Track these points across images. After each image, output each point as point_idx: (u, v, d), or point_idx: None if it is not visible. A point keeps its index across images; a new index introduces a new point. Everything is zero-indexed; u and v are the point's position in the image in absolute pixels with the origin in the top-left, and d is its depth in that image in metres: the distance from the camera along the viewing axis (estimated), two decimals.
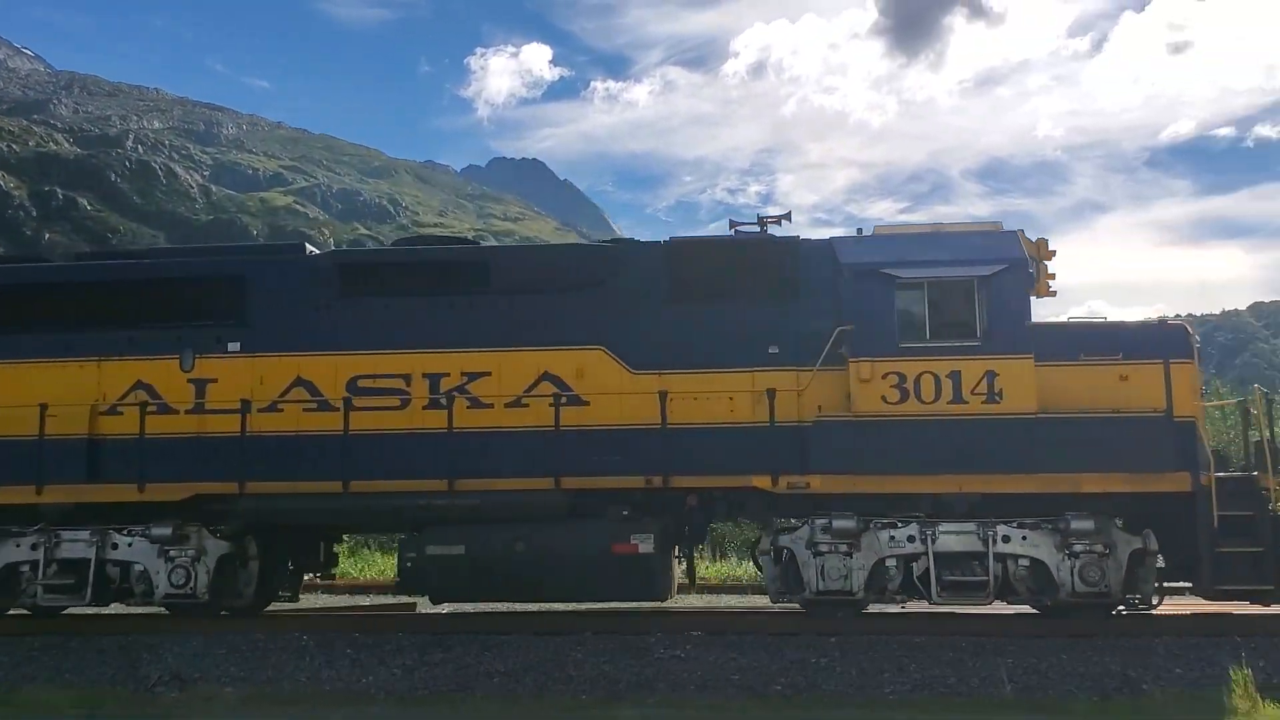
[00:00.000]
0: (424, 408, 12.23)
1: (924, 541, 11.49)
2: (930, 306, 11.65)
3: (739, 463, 11.69)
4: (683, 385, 11.92)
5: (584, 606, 12.90)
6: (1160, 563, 11.55)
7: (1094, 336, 11.94)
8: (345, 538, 18.34)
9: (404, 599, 14.75)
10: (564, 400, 11.97)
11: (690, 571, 13.31)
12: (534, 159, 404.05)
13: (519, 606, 13.42)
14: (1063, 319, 12.79)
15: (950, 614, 12.04)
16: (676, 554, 12.87)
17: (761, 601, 15.44)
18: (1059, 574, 11.29)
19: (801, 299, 12.08)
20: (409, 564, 11.97)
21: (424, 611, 13.82)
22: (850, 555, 11.54)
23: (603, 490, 11.87)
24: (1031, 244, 12.15)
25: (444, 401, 12.05)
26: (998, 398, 11.39)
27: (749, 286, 12.18)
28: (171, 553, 12.15)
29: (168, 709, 10.01)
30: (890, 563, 11.60)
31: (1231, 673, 9.41)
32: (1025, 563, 11.46)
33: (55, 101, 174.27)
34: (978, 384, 11.42)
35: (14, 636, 11.84)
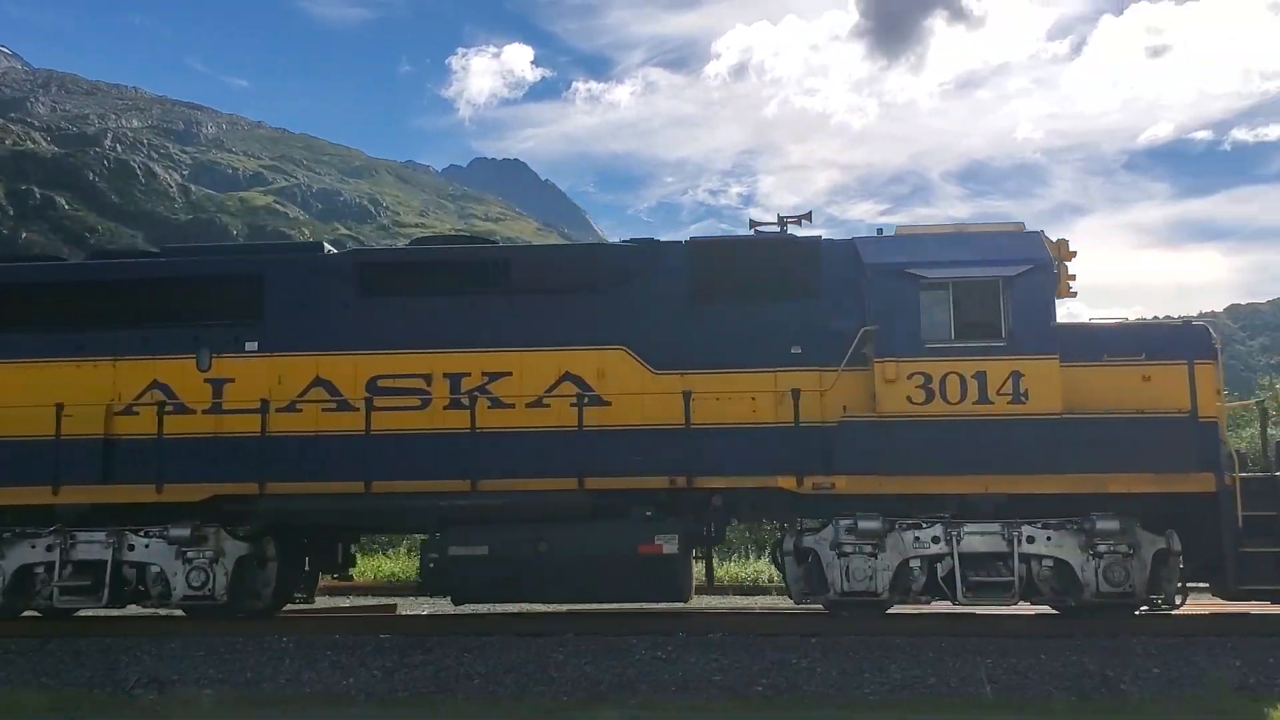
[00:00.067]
0: (444, 408, 12.16)
1: (949, 542, 11.48)
2: (955, 307, 11.66)
3: (763, 463, 11.66)
4: (705, 385, 11.89)
5: (564, 608, 12.94)
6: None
7: (1117, 337, 11.98)
8: None
9: (384, 600, 14.78)
10: (585, 400, 11.92)
11: (709, 572, 13.27)
12: (515, 159, 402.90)
13: (498, 607, 13.40)
14: (1084, 319, 12.80)
15: (931, 614, 12.13)
16: (695, 554, 12.86)
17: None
18: (1083, 574, 11.31)
19: (824, 299, 12.08)
20: (431, 564, 11.90)
21: (404, 613, 13.80)
22: (875, 556, 11.53)
23: (626, 491, 11.83)
24: (1052, 244, 12.17)
25: (465, 401, 11.99)
26: (1023, 398, 11.40)
27: (771, 286, 12.17)
28: (189, 554, 12.03)
29: (146, 712, 9.93)
30: (914, 563, 11.60)
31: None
32: (1049, 563, 11.49)
33: (32, 100, 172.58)
34: (1003, 384, 11.43)
35: None
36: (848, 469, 11.47)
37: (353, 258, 13.20)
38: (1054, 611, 12.09)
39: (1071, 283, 12.37)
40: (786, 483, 11.57)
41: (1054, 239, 12.30)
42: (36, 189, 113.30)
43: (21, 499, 12.13)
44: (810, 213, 12.89)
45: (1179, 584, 11.56)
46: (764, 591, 16.92)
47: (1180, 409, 11.35)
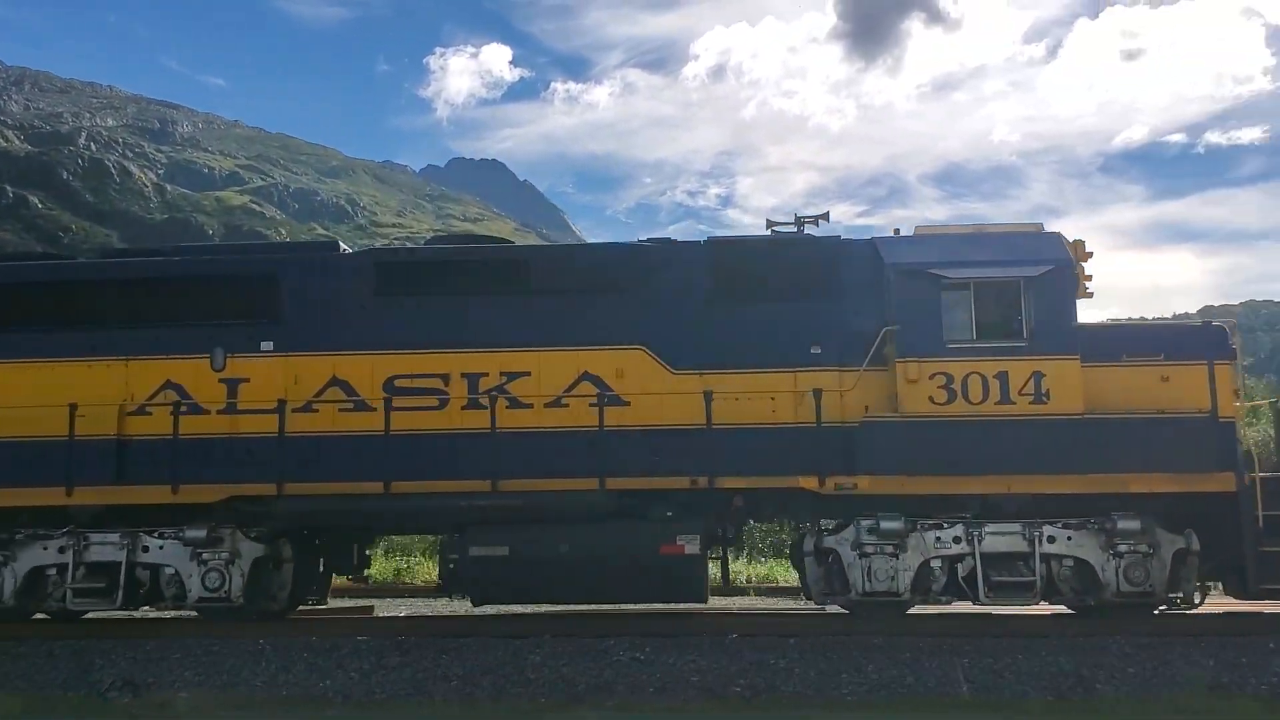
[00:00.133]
0: (463, 408, 12.08)
1: (970, 542, 11.50)
2: (977, 307, 11.67)
3: (784, 463, 11.63)
4: (724, 385, 11.86)
5: (543, 609, 12.87)
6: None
7: (1136, 337, 12.06)
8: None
9: (362, 603, 14.73)
10: (605, 400, 11.87)
11: (725, 573, 13.24)
12: (493, 160, 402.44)
13: (476, 610, 13.31)
14: (1103, 320, 12.85)
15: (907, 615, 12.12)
16: (712, 554, 12.83)
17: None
18: (1104, 574, 11.36)
19: (844, 299, 12.08)
20: (451, 566, 11.85)
21: (381, 615, 13.75)
22: (896, 556, 11.53)
23: (647, 491, 11.79)
24: (1069, 245, 12.21)
25: (484, 401, 11.92)
26: (1045, 398, 11.42)
27: (790, 286, 12.15)
28: (205, 555, 11.91)
29: (120, 714, 9.85)
30: (935, 564, 11.61)
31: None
32: (1069, 563, 11.53)
33: (5, 98, 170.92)
34: (1025, 384, 11.45)
35: None
36: (870, 469, 11.46)
37: (370, 257, 13.09)
38: (1069, 611, 12.11)
39: (1088, 283, 12.42)
40: (808, 483, 11.55)
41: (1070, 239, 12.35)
42: (9, 188, 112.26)
43: (34, 500, 11.98)
44: (828, 212, 12.91)
45: (1196, 583, 11.61)
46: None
47: (1200, 409, 11.40)
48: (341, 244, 13.51)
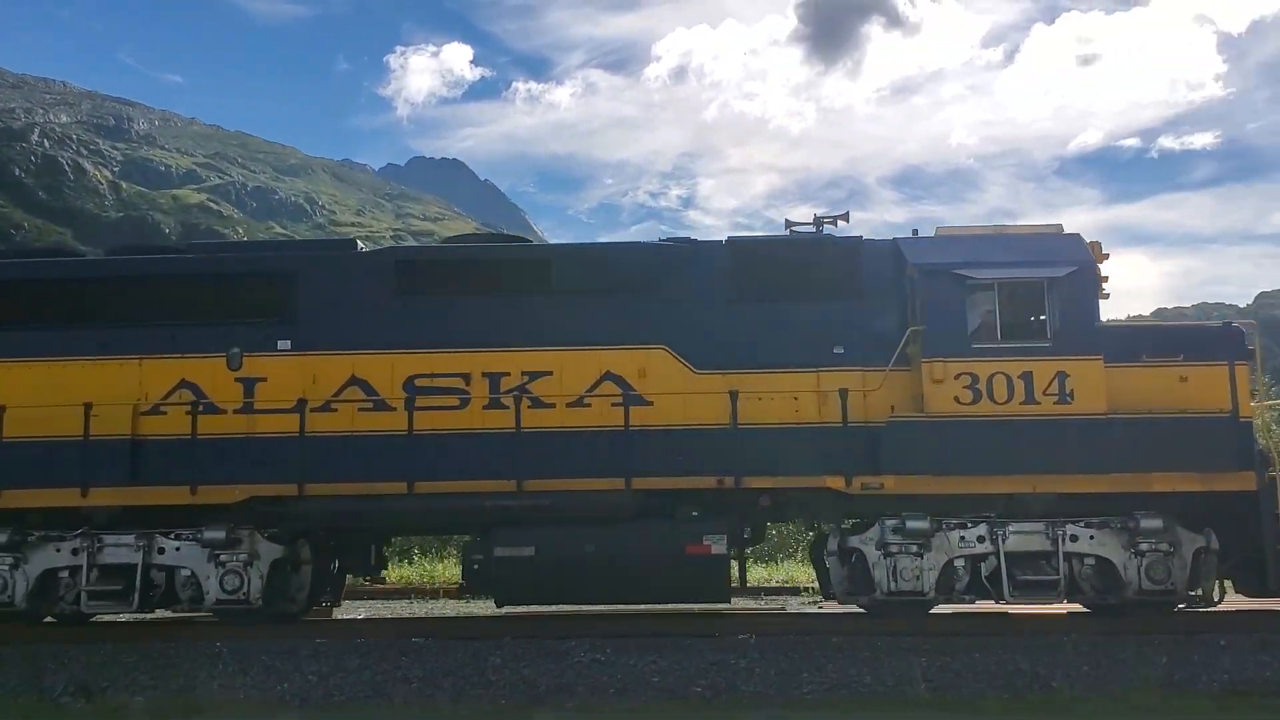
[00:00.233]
0: (484, 407, 11.99)
1: (994, 541, 11.56)
2: (1002, 307, 11.75)
3: (809, 463, 11.64)
4: (746, 385, 11.85)
5: (504, 611, 12.84)
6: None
7: (1155, 337, 12.17)
8: None
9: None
10: (629, 400, 11.84)
11: (742, 573, 13.24)
12: (454, 159, 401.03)
13: (437, 610, 13.29)
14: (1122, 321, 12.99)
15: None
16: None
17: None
18: (1126, 572, 11.45)
19: (866, 299, 12.12)
20: (476, 566, 11.75)
21: (340, 617, 13.66)
22: (921, 556, 11.57)
23: (673, 491, 11.77)
24: (1087, 246, 12.32)
25: (505, 401, 11.86)
26: (1069, 398, 11.51)
27: (813, 286, 12.18)
28: (222, 557, 11.72)
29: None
30: (959, 563, 11.67)
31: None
32: (1091, 561, 11.62)
33: None
34: (1049, 384, 11.53)
35: None
36: (896, 469, 11.49)
37: (390, 255, 12.97)
38: (1086, 610, 12.22)
39: (1104, 284, 12.53)
40: (835, 483, 11.56)
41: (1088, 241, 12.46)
42: None
43: (48, 501, 11.75)
44: (847, 213, 12.92)
45: (1215, 581, 11.75)
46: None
47: (1220, 409, 11.54)
48: (358, 242, 13.31)
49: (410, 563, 20.55)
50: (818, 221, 12.96)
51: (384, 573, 14.12)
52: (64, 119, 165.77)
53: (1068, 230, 12.45)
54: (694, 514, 11.85)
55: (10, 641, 11.12)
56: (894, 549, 11.57)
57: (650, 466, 11.69)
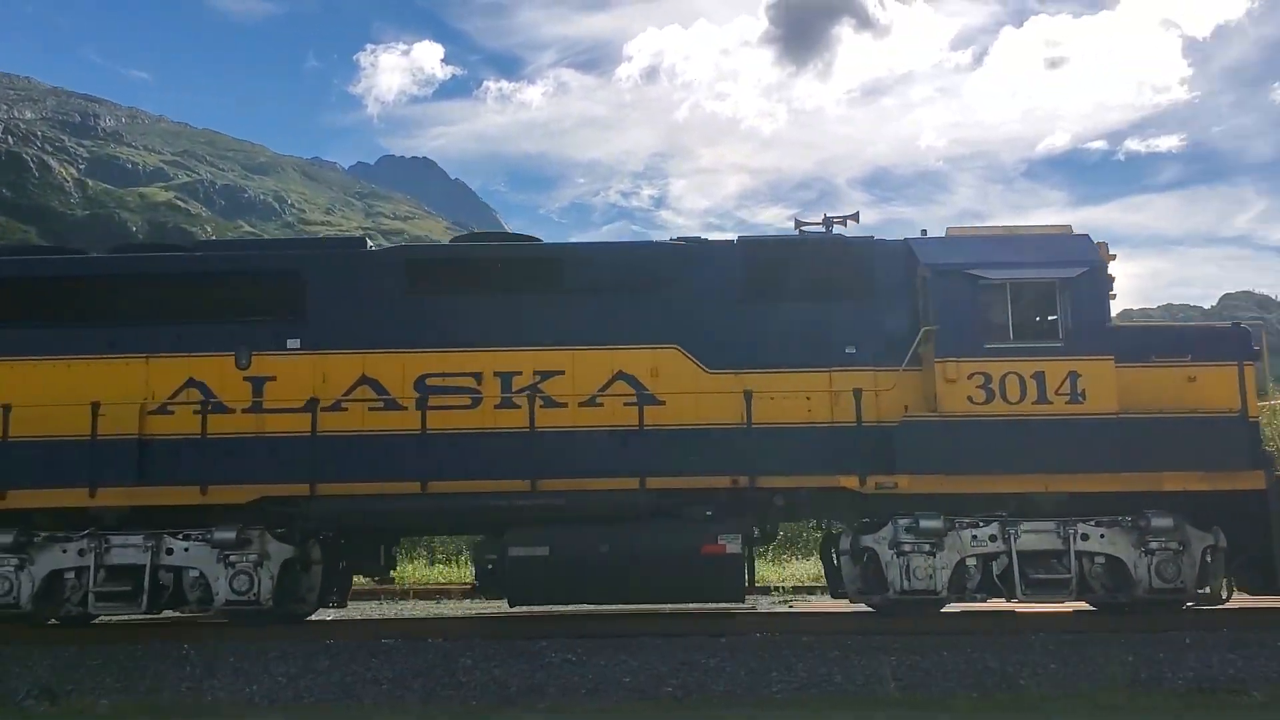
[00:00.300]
0: (496, 406, 11.94)
1: (1005, 540, 11.62)
2: (1014, 308, 11.80)
3: (823, 463, 11.67)
4: (759, 384, 11.86)
5: (474, 610, 12.72)
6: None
7: (1164, 338, 12.30)
8: None
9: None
10: (638, 399, 11.82)
11: (751, 573, 13.21)
12: (425, 158, 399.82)
13: (406, 611, 13.25)
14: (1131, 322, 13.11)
15: (837, 613, 12.39)
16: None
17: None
18: (1136, 571, 11.53)
19: (877, 299, 12.16)
20: (489, 566, 11.69)
21: (309, 619, 13.40)
22: (934, 555, 11.60)
23: (688, 490, 11.75)
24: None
25: (518, 400, 11.82)
26: (1081, 398, 11.58)
27: (824, 286, 12.21)
28: (232, 558, 11.59)
29: None
30: (971, 562, 11.71)
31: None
32: (1101, 560, 11.69)
33: None
34: (1061, 384, 11.59)
35: None
36: (910, 469, 11.53)
37: (401, 254, 12.89)
38: (1093, 609, 12.31)
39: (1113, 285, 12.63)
40: (849, 482, 11.59)
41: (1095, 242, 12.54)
42: None
43: (56, 501, 11.60)
44: (858, 213, 12.95)
45: (1223, 579, 11.85)
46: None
47: (1230, 409, 11.64)
48: (368, 240, 13.22)
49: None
50: (827, 221, 13.00)
51: (392, 573, 14.00)
52: (29, 115, 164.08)
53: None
54: (707, 513, 11.81)
55: None
56: (907, 548, 11.60)
57: (664, 466, 11.68)
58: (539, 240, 13.24)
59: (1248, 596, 12.41)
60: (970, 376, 11.64)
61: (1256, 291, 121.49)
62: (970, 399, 11.63)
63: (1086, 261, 11.85)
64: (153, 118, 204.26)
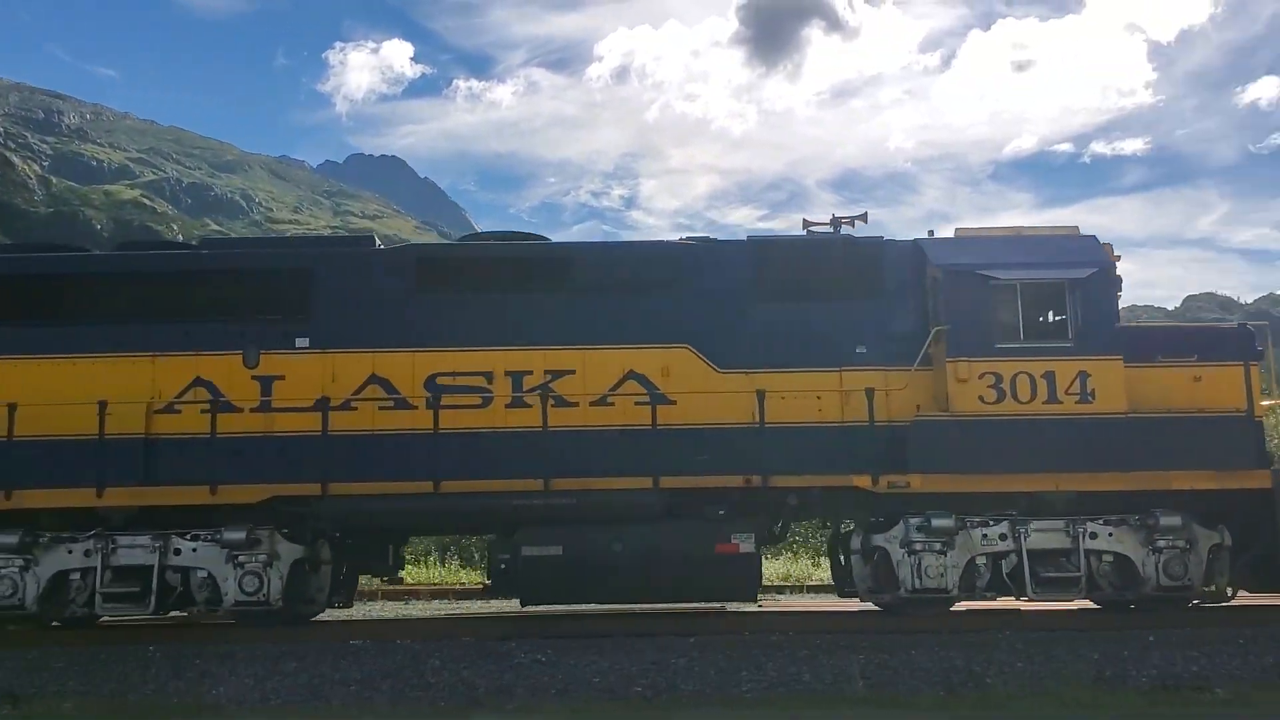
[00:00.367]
0: (507, 406, 11.89)
1: (1015, 539, 11.69)
2: (1024, 308, 11.88)
3: (835, 462, 11.69)
4: (769, 384, 11.87)
5: (443, 612, 12.68)
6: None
7: (1170, 339, 12.42)
8: None
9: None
10: (650, 399, 11.81)
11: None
12: (394, 156, 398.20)
13: (374, 612, 13.14)
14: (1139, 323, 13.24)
15: (806, 612, 12.42)
16: None
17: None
18: (1144, 569, 11.64)
19: (887, 299, 12.23)
20: (502, 566, 11.63)
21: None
22: (945, 553, 11.66)
23: (701, 490, 11.75)
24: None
25: (528, 400, 11.80)
26: (1090, 398, 11.67)
27: (834, 286, 12.25)
28: (241, 558, 11.47)
29: None
30: (981, 560, 11.78)
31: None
32: (1109, 558, 11.79)
33: None
34: (1071, 384, 11.68)
35: None
36: (922, 468, 11.58)
37: (412, 252, 12.77)
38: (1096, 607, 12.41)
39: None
40: (862, 481, 11.62)
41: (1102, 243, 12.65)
42: None
43: (63, 501, 11.44)
44: (865, 213, 13.00)
45: (1228, 577, 11.98)
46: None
47: (1235, 408, 11.79)
48: (376, 238, 13.13)
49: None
50: (835, 222, 13.03)
51: (401, 572, 13.90)
52: None
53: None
54: (720, 513, 11.82)
55: None
56: (918, 547, 11.65)
57: (676, 465, 11.67)
58: (547, 240, 13.19)
59: (1245, 594, 12.58)
60: (981, 376, 11.71)
61: (1219, 293, 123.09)
62: (982, 399, 11.69)
63: (1096, 262, 11.95)
64: (118, 114, 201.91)
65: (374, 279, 12.19)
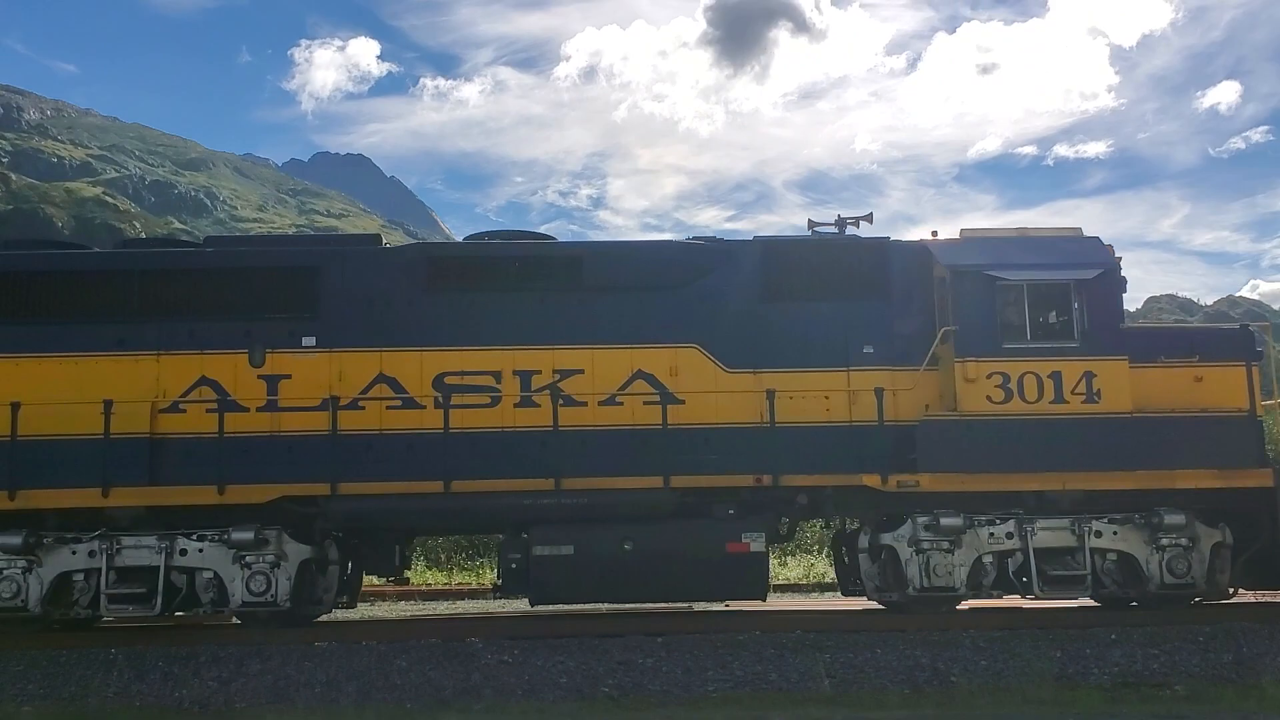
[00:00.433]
0: (515, 405, 11.86)
1: (1022, 538, 11.79)
2: (1031, 308, 11.98)
3: (844, 461, 11.76)
4: (777, 384, 11.92)
5: (409, 613, 12.71)
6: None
7: (1173, 339, 12.55)
8: None
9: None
10: (659, 398, 11.82)
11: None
12: (360, 155, 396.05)
13: (340, 614, 13.14)
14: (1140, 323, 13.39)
15: (771, 611, 12.48)
16: None
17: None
18: (1148, 567, 11.77)
19: (894, 299, 12.30)
20: (513, 565, 11.58)
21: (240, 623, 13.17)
22: (952, 552, 11.74)
23: (711, 489, 11.78)
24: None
25: (537, 399, 11.79)
26: (1096, 398, 11.78)
27: (842, 286, 12.31)
28: (248, 558, 11.36)
29: None
30: (987, 559, 11.87)
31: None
32: (1114, 557, 11.92)
33: None
34: (1077, 384, 11.79)
35: None
36: (931, 467, 11.65)
37: (421, 251, 12.71)
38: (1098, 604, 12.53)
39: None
40: (871, 480, 11.68)
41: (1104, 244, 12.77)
42: None
43: (68, 501, 11.30)
44: (871, 214, 13.07)
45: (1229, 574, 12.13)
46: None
47: (1237, 408, 11.95)
48: (382, 237, 13.05)
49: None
50: (841, 222, 13.09)
51: (407, 572, 13.81)
52: None
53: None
54: (730, 511, 11.84)
55: None
56: (926, 545, 11.73)
57: (689, 465, 11.70)
58: (554, 239, 13.16)
59: (1244, 592, 12.74)
60: (989, 376, 11.80)
61: (1180, 295, 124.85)
62: (989, 398, 11.78)
63: (1101, 263, 12.07)
64: (80, 111, 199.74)
65: (382, 278, 12.11)
